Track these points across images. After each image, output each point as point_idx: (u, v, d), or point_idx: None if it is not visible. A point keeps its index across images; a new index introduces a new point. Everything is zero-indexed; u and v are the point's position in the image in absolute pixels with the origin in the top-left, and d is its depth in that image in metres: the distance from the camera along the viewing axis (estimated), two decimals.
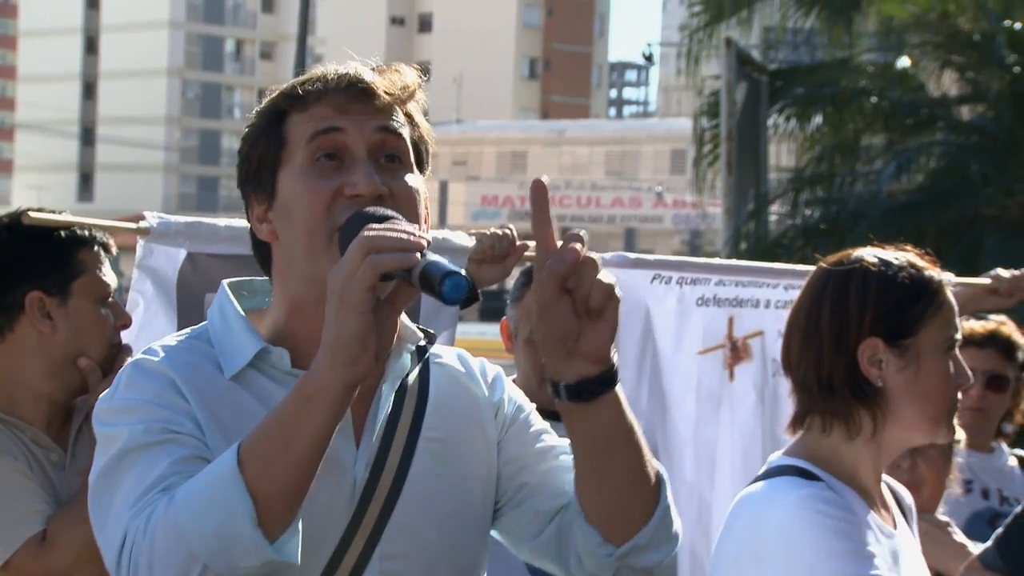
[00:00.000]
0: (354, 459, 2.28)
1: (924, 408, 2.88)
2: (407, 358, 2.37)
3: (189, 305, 3.88)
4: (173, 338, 2.35)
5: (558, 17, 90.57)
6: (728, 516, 2.94)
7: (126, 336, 3.49)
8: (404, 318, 2.34)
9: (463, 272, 2.03)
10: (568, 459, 2.37)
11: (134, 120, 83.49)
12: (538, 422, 2.50)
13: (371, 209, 2.22)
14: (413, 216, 2.29)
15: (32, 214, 3.39)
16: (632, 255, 4.79)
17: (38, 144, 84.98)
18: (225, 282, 2.42)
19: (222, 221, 4.00)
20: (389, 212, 2.21)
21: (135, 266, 3.85)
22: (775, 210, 15.70)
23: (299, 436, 2.05)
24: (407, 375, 2.36)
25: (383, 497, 2.27)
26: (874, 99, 15.00)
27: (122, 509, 2.13)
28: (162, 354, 2.28)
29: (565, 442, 2.41)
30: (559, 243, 2.16)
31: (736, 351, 4.84)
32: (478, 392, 2.45)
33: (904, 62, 15.54)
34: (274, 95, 2.36)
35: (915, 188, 14.47)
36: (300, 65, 8.95)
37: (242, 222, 4.03)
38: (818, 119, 15.22)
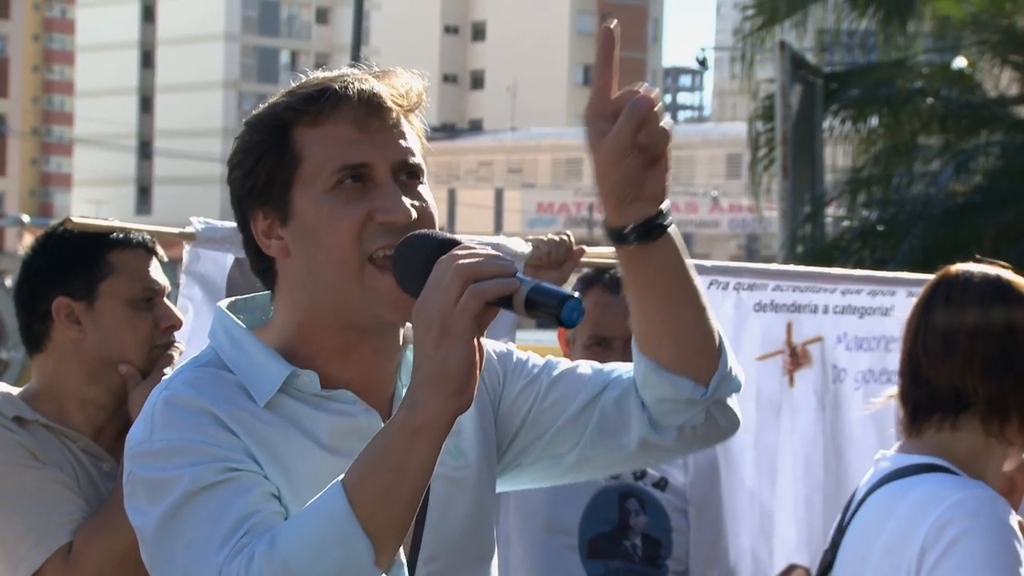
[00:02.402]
0: None
1: None
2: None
3: None
4: (188, 369, 2.28)
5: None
6: (867, 513, 2.98)
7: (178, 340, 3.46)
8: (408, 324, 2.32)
9: (575, 294, 2.07)
10: (562, 362, 2.46)
11: (191, 133, 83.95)
12: (521, 355, 2.52)
13: (425, 232, 2.20)
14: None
15: (74, 219, 3.38)
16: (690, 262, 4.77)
17: (96, 158, 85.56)
18: (222, 304, 2.37)
19: None
20: (448, 235, 2.18)
21: (182, 271, 3.84)
22: (831, 213, 15.62)
23: (409, 470, 2.04)
24: None
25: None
26: (930, 100, 14.90)
27: (204, 555, 2.08)
28: (189, 388, 2.22)
29: (550, 358, 2.48)
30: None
31: (796, 357, 4.81)
32: None
33: (960, 62, 15.42)
34: (274, 107, 2.29)
35: (973, 189, 14.37)
36: None
37: None
38: (874, 121, 15.14)
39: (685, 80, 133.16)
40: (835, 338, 4.87)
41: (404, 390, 2.28)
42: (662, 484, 4.40)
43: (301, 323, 2.28)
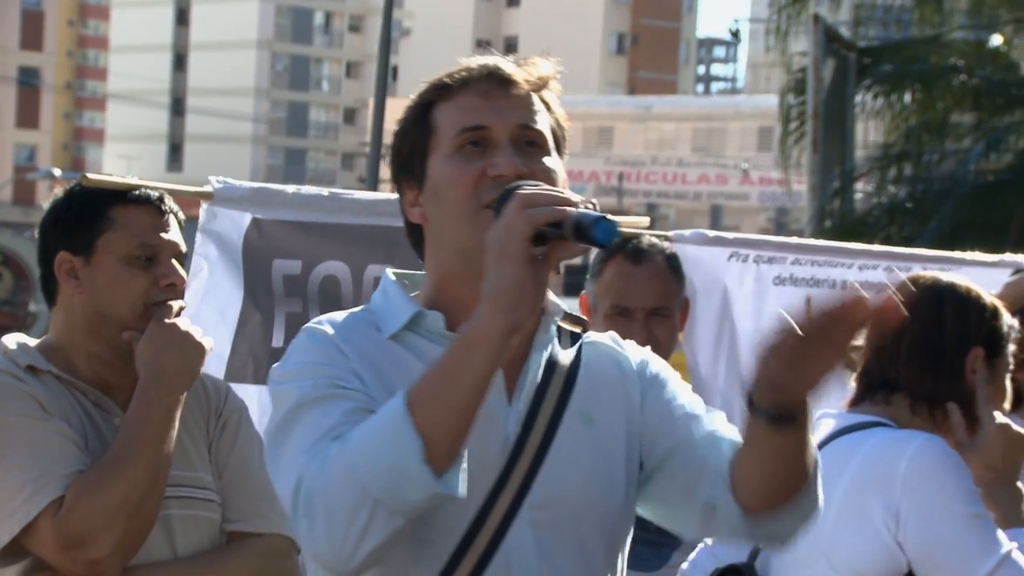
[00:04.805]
0: (506, 416, 2.47)
1: None
2: (554, 331, 2.55)
3: (256, 271, 3.86)
4: (341, 313, 2.55)
5: None
6: (825, 460, 3.23)
7: (190, 298, 3.42)
8: (550, 294, 2.51)
9: (610, 216, 2.25)
10: (718, 430, 2.56)
11: (223, 91, 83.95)
12: (681, 389, 2.63)
13: (522, 183, 2.39)
14: None
15: (90, 176, 3.39)
16: (711, 233, 4.78)
17: (129, 114, 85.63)
18: (389, 271, 2.61)
19: (290, 187, 4.00)
20: (539, 183, 2.39)
21: (198, 230, 3.82)
22: (861, 188, 15.58)
23: (463, 379, 2.26)
24: (555, 350, 2.54)
25: (533, 451, 2.46)
26: (964, 77, 14.84)
27: (295, 456, 2.34)
28: (326, 324, 2.50)
29: (714, 413, 2.59)
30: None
31: None
32: (622, 357, 2.62)
33: (996, 40, 15.35)
34: (424, 89, 2.54)
35: (1004, 167, 14.34)
36: (387, 39, 9.06)
37: (313, 189, 4.07)
38: (906, 97, 15.09)
39: (719, 51, 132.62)
40: None
41: (532, 366, 2.48)
42: None
43: (439, 277, 2.52)
